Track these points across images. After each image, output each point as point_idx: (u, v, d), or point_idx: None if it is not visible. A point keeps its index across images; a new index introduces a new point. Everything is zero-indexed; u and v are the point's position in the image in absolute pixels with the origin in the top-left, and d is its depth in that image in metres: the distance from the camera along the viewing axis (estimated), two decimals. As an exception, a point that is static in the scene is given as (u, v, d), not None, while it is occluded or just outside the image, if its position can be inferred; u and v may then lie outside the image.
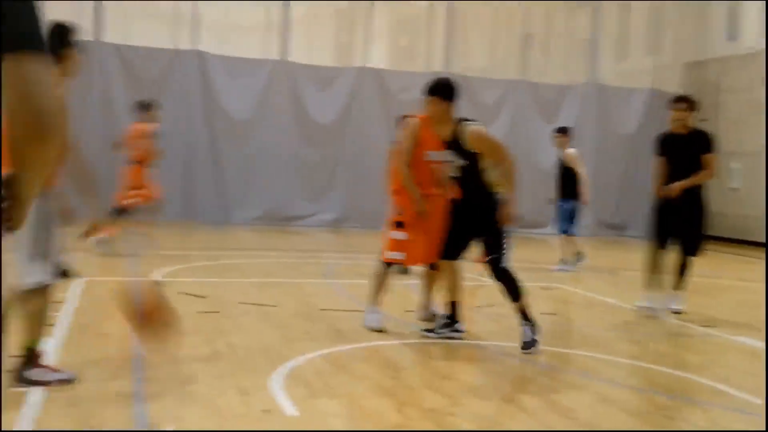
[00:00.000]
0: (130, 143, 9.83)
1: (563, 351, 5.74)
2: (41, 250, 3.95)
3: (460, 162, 5.55)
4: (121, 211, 9.59)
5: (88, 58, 13.35)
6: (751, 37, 15.44)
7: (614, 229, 16.35)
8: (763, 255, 13.47)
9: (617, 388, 4.77)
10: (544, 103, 16.08)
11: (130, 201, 9.58)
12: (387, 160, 6.30)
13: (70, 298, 6.52)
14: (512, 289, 5.58)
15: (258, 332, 5.73)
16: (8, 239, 1.60)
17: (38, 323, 4.16)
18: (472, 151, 5.47)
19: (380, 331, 5.85)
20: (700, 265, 12.18)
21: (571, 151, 10.07)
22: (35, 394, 3.94)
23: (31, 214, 1.69)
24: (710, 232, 16.60)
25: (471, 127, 5.53)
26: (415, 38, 18.20)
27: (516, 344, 5.53)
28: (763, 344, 6.08)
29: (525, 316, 5.56)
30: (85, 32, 13.82)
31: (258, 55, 15.17)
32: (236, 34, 16.08)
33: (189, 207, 14.15)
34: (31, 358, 4.12)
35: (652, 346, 6.00)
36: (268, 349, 5.18)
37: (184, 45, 14.37)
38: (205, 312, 6.33)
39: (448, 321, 5.85)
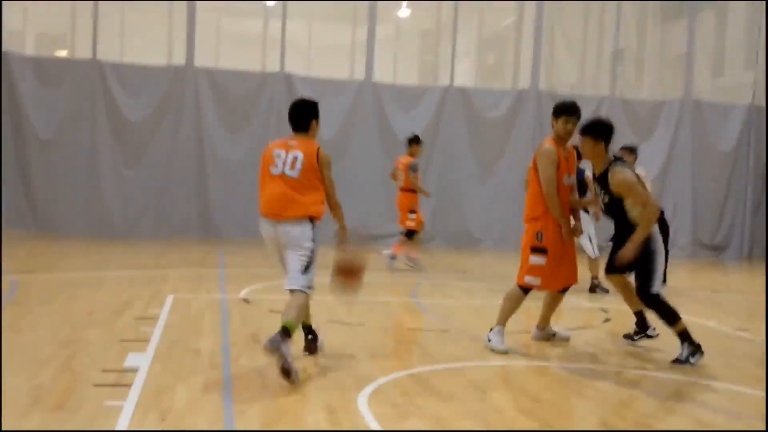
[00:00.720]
0: (398, 173, 11.01)
1: (658, 375, 5.50)
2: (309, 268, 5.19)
3: (606, 198, 5.89)
4: (410, 234, 10.89)
5: (182, 81, 14.07)
6: None
7: (713, 250, 15.68)
8: None
9: (713, 413, 4.52)
10: (637, 120, 15.63)
11: (411, 224, 10.85)
12: (526, 184, 6.34)
13: (160, 314, 6.72)
14: (663, 313, 5.82)
15: (345, 351, 5.74)
16: None
17: (301, 314, 5.11)
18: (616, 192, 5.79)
19: (505, 353, 5.82)
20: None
21: (638, 170, 9.64)
22: (128, 408, 4.06)
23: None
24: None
25: (616, 174, 5.75)
26: (502, 55, 18.07)
27: (610, 368, 5.32)
28: None
29: (682, 337, 5.80)
30: (178, 57, 14.50)
31: (344, 76, 15.39)
32: (322, 56, 16.38)
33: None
34: (286, 333, 4.80)
35: (752, 371, 5.68)
36: (354, 368, 5.18)
37: (273, 68, 14.73)
38: (293, 329, 6.38)
39: (638, 330, 6.37)
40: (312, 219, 5.16)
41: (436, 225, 14.86)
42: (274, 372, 4.89)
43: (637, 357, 6.19)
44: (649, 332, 6.41)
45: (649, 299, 5.80)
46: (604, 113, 15.40)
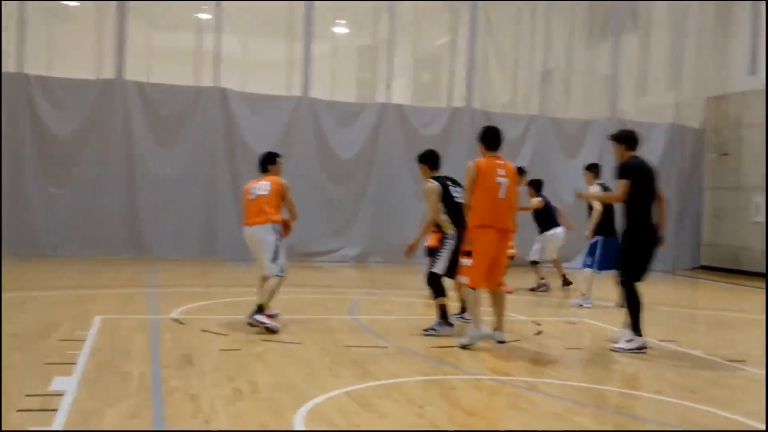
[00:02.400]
0: None
1: (591, 386, 5.63)
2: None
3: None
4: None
5: (111, 95, 13.76)
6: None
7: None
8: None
9: (643, 423, 4.65)
10: (566, 138, 16.06)
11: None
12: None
13: (88, 336, 6.53)
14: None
15: (281, 370, 5.68)
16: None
17: (270, 294, 7.33)
18: None
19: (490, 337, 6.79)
20: (725, 299, 12.02)
21: (592, 188, 10.00)
22: (60, 418, 3.92)
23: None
24: (735, 267, 16.48)
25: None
26: (437, 74, 18.31)
27: (543, 380, 5.43)
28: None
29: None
30: (107, 70, 14.18)
31: (281, 91, 15.33)
32: (258, 71, 16.27)
33: (210, 243, 14.21)
34: (260, 309, 7.16)
35: (678, 381, 5.86)
36: (291, 387, 5.13)
37: (206, 82, 14.56)
38: (227, 350, 6.30)
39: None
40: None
41: (374, 241, 14.90)
42: (207, 394, 4.82)
43: (570, 368, 6.32)
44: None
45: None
46: (534, 131, 15.78)
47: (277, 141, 14.60)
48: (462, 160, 15.36)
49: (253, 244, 7.55)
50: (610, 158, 15.79)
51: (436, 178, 7.61)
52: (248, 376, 5.40)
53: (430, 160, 7.82)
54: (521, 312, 9.03)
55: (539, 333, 7.77)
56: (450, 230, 7.41)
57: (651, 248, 6.86)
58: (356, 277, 13.41)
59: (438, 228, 7.62)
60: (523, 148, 15.64)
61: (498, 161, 6.87)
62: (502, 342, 6.89)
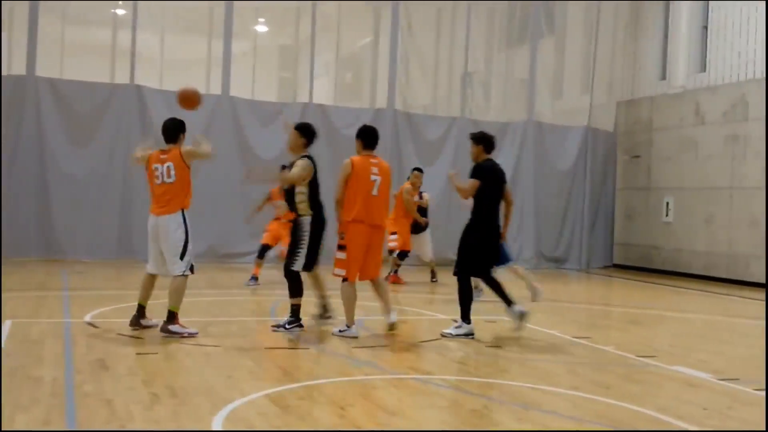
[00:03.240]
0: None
1: (510, 383, 5.75)
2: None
3: None
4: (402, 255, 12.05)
5: (21, 92, 13.20)
6: (680, 77, 16.06)
7: (554, 262, 16.63)
8: (693, 286, 13.88)
9: (560, 419, 4.79)
10: (485, 139, 16.33)
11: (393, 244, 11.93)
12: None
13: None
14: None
15: (199, 373, 5.59)
16: None
17: (178, 296, 6.78)
18: None
19: (355, 337, 6.97)
20: (636, 297, 12.49)
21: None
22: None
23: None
24: (646, 265, 17.14)
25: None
26: (359, 74, 18.34)
27: (463, 378, 5.51)
28: (698, 373, 6.22)
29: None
30: (17, 66, 13.60)
31: (200, 90, 15.00)
32: (176, 69, 15.91)
33: (126, 245, 13.80)
34: (172, 317, 6.72)
35: (593, 377, 6.06)
36: (209, 391, 5.05)
37: (122, 80, 14.16)
38: (143, 354, 6.15)
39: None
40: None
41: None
42: (122, 399, 4.70)
43: (490, 366, 6.45)
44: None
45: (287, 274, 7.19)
46: (455, 133, 16.01)
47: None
48: (384, 160, 15.60)
49: (155, 236, 6.95)
50: (526, 160, 16.37)
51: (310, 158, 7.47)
52: (165, 380, 5.29)
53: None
54: (442, 311, 9.15)
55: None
56: (306, 215, 7.28)
57: (489, 246, 7.47)
58: (278, 278, 13.27)
59: (294, 211, 7.41)
60: (444, 149, 15.85)
61: (372, 160, 7.34)
62: (393, 323, 7.24)
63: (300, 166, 7.22)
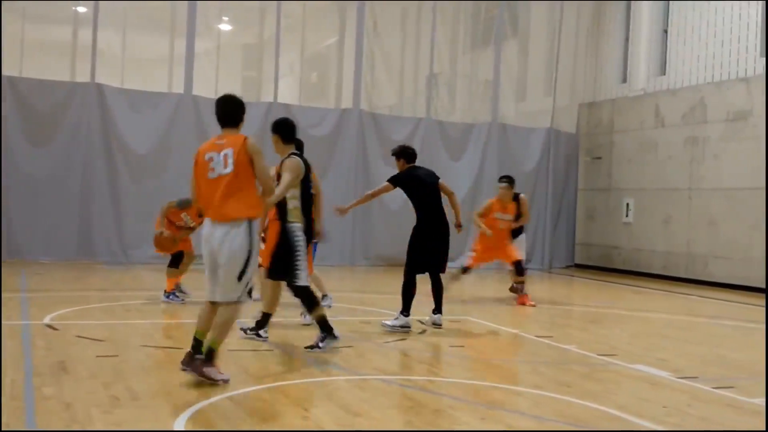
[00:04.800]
0: None
1: (470, 383, 5.79)
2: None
3: None
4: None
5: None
6: (641, 80, 16.33)
7: (518, 263, 16.76)
8: (653, 286, 14.11)
9: (523, 418, 4.84)
10: (451, 141, 16.45)
11: None
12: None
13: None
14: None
15: (161, 376, 5.52)
16: None
17: (226, 330, 5.38)
18: None
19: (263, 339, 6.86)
20: (597, 296, 12.66)
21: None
22: None
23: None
24: (607, 265, 17.37)
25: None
26: (325, 74, 18.29)
27: (427, 378, 5.53)
28: (658, 372, 6.33)
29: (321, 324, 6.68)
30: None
31: (162, 88, 14.86)
32: (138, 67, 15.71)
33: (85, 246, 13.57)
34: (211, 356, 5.28)
35: (555, 376, 6.13)
36: (171, 393, 4.99)
37: (83, 78, 13.92)
38: (104, 356, 6.05)
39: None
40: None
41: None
42: (83, 402, 4.62)
43: (453, 366, 6.48)
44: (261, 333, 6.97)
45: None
46: (421, 134, 16.06)
47: (158, 139, 14.15)
48: (350, 161, 15.65)
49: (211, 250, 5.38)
50: (491, 161, 16.48)
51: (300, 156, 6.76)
52: (126, 382, 5.21)
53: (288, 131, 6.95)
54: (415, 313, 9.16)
55: (423, 332, 7.92)
56: (297, 221, 6.57)
57: (429, 245, 7.96)
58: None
59: (281, 216, 6.59)
60: (409, 150, 15.87)
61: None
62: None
63: (288, 169, 6.47)
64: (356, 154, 15.44)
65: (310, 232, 6.72)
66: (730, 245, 14.10)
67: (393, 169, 8.49)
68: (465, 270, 10.47)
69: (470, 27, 17.31)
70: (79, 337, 6.72)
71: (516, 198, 10.51)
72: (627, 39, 16.97)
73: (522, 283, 10.41)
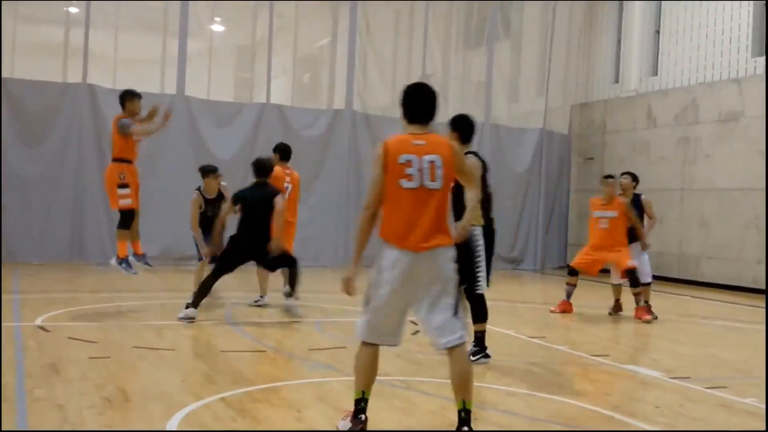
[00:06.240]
0: None
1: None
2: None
3: None
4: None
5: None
6: (633, 81, 16.38)
7: (510, 263, 16.80)
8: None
9: (515, 418, 4.84)
10: (443, 141, 16.43)
11: None
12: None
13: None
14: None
15: (153, 377, 5.51)
16: None
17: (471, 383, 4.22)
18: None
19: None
20: (589, 297, 12.69)
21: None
22: None
23: None
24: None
25: None
26: (317, 75, 18.27)
27: (420, 378, 5.53)
28: (650, 372, 6.35)
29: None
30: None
31: (154, 89, 14.80)
32: (130, 68, 15.65)
33: (78, 247, 13.53)
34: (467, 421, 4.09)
35: (547, 376, 6.14)
36: (163, 395, 4.98)
37: (75, 79, 13.88)
38: (96, 357, 6.03)
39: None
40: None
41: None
42: (74, 403, 4.61)
43: (446, 367, 6.48)
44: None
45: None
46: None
47: (150, 140, 14.06)
48: (342, 162, 15.63)
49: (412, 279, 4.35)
50: (501, 162, 16.40)
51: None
52: (118, 384, 5.20)
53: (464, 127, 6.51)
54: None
55: (416, 333, 7.91)
56: (477, 224, 6.07)
57: None
58: (235, 280, 13.15)
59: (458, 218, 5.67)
60: (402, 151, 15.88)
61: (287, 170, 9.29)
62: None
63: (474, 169, 5.86)
64: (349, 155, 15.43)
65: (491, 235, 6.21)
66: (722, 245, 14.15)
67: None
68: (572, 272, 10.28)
69: (463, 28, 17.31)
70: (71, 338, 6.70)
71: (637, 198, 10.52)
72: (619, 40, 17.01)
73: (638, 294, 9.69)
